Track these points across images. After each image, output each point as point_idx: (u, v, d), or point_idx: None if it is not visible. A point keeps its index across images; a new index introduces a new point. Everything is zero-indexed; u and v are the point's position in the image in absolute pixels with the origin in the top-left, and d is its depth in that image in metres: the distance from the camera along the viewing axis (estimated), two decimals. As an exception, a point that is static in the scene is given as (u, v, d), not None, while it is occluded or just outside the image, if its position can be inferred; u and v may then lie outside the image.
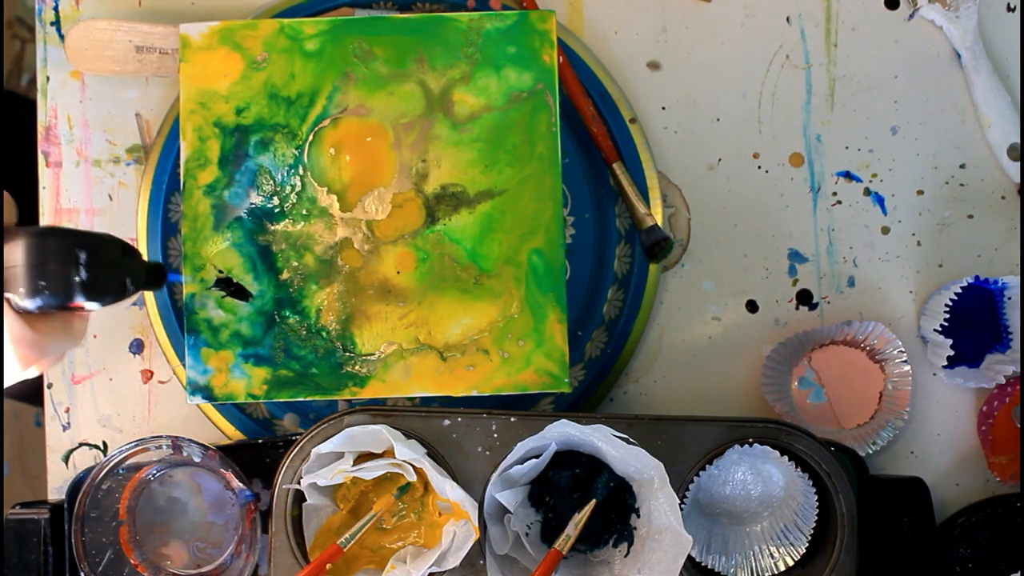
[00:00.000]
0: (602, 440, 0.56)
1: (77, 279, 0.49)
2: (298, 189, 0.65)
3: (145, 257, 0.69)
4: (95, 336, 0.70)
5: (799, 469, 0.58)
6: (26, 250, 0.49)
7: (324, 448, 0.57)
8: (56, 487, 0.70)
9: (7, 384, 0.51)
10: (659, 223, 0.68)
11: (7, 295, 0.48)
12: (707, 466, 0.58)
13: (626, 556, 0.58)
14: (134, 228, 0.70)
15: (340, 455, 0.59)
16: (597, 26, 0.71)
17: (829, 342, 0.69)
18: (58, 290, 0.49)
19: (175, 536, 0.66)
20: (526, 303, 0.64)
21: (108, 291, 0.52)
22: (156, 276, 0.56)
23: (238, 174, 0.65)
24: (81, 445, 0.70)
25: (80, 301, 0.51)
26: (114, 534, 0.64)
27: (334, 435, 0.57)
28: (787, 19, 0.71)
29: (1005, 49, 0.71)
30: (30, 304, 0.49)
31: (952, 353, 0.66)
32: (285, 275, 0.65)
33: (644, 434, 0.58)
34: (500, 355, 0.64)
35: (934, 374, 0.70)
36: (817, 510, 0.59)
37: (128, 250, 0.54)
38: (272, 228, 0.65)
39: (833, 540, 0.59)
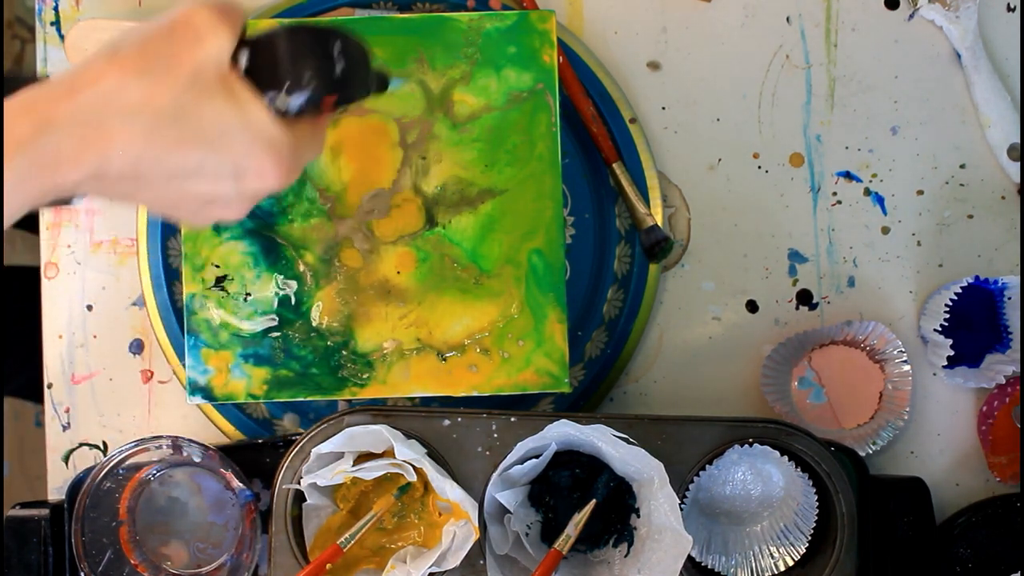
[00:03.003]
0: (602, 440, 0.56)
1: (336, 71, 0.47)
2: (297, 189, 0.65)
3: (145, 258, 0.69)
4: (95, 336, 0.70)
5: (799, 469, 0.58)
6: (284, 45, 0.47)
7: (324, 448, 0.57)
8: (56, 487, 0.70)
9: (270, 185, 0.48)
10: (659, 223, 0.68)
11: (266, 95, 0.46)
12: (707, 466, 0.58)
13: (626, 556, 0.58)
14: (134, 228, 0.70)
15: (340, 455, 0.59)
16: (597, 26, 0.71)
17: (829, 342, 0.69)
18: (321, 82, 0.47)
19: (175, 536, 0.67)
20: (526, 303, 0.64)
21: (359, 85, 0.50)
22: (383, 79, 0.53)
23: (238, 174, 0.64)
24: (81, 445, 0.70)
25: (336, 95, 0.48)
26: (114, 534, 0.64)
27: (334, 435, 0.57)
28: (787, 19, 0.71)
29: (1005, 49, 0.71)
30: (294, 101, 0.47)
31: (952, 353, 0.66)
32: (285, 275, 0.64)
33: (644, 434, 0.58)
34: (500, 355, 0.64)
35: (934, 374, 0.70)
36: (817, 510, 0.59)
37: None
38: (272, 228, 0.65)
39: (833, 540, 0.59)
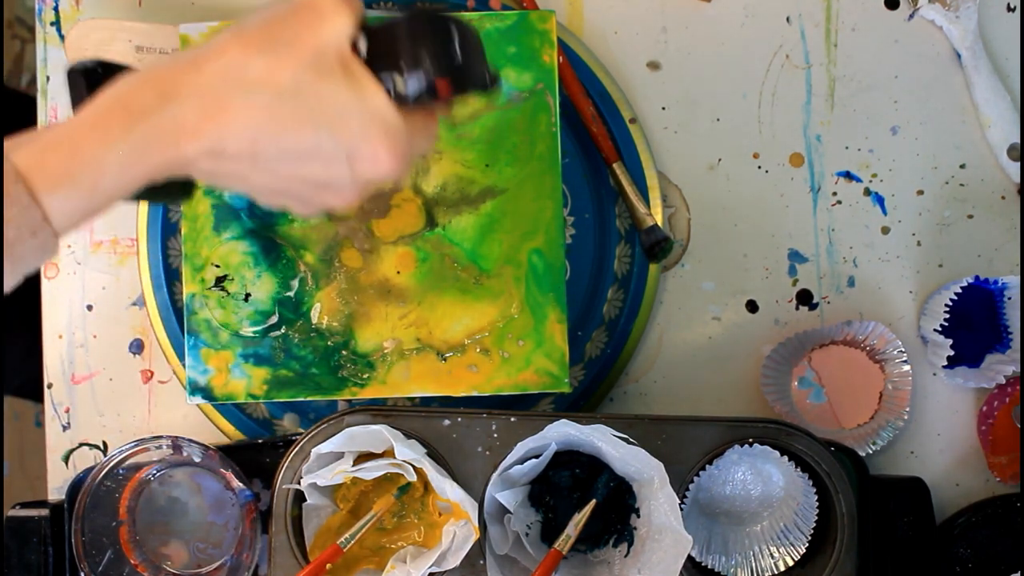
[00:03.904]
0: (602, 440, 0.56)
1: (453, 55, 0.47)
2: (298, 189, 0.65)
3: (145, 258, 0.69)
4: (95, 336, 0.70)
5: (799, 469, 0.58)
6: (403, 29, 0.47)
7: (324, 448, 0.57)
8: (56, 487, 0.70)
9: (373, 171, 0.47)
10: (659, 223, 0.68)
11: (384, 79, 0.46)
12: (707, 466, 0.58)
13: (626, 556, 0.58)
14: (134, 228, 0.70)
15: (340, 455, 0.59)
16: (597, 26, 0.71)
17: (829, 342, 0.69)
18: (438, 64, 0.46)
19: (175, 536, 0.67)
20: (526, 303, 0.64)
21: (474, 74, 0.49)
22: (495, 76, 0.51)
23: (238, 174, 0.64)
24: (81, 445, 0.70)
25: (451, 80, 0.48)
26: (114, 534, 0.64)
27: (334, 435, 0.57)
28: (787, 19, 0.71)
29: (1005, 49, 0.71)
30: (411, 84, 0.46)
31: (952, 353, 0.66)
32: (285, 275, 0.64)
33: (644, 434, 0.58)
34: (500, 355, 0.64)
35: (934, 374, 0.70)
36: (817, 510, 0.59)
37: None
38: (272, 228, 0.65)
39: (833, 540, 0.59)
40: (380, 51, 0.47)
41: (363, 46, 0.47)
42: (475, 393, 0.64)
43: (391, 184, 0.50)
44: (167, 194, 0.49)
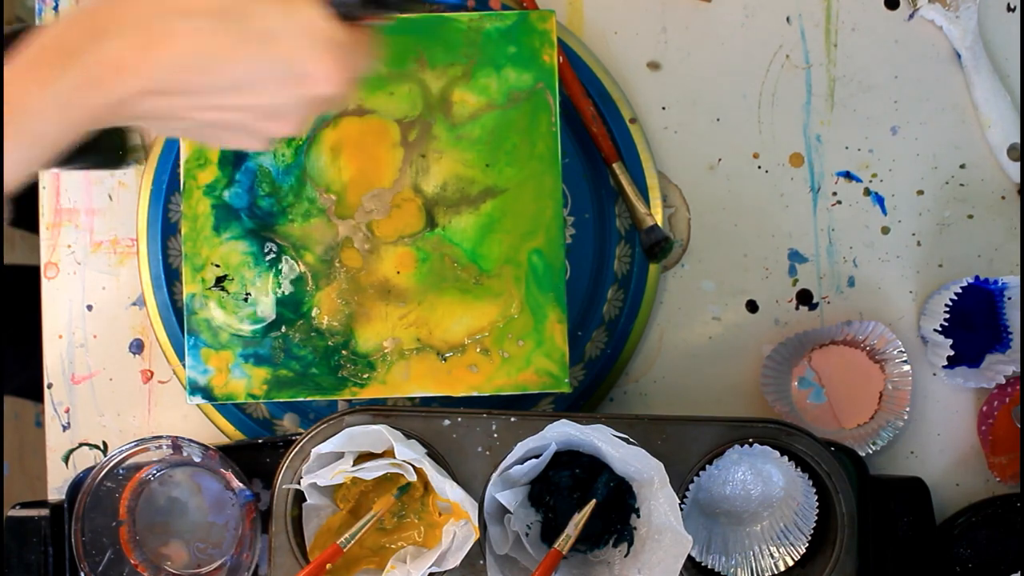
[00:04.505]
0: (602, 440, 0.56)
1: None
2: (297, 189, 0.65)
3: (145, 258, 0.69)
4: (95, 336, 0.70)
5: (799, 469, 0.58)
6: None
7: (324, 448, 0.57)
8: (56, 487, 0.70)
9: (331, 87, 0.46)
10: (659, 223, 0.68)
11: None
12: (707, 466, 0.58)
13: (626, 556, 0.58)
14: (134, 228, 0.70)
15: (340, 455, 0.59)
16: (597, 26, 0.71)
17: (829, 342, 0.69)
18: None
19: (175, 536, 0.67)
20: (526, 303, 0.64)
21: None
22: None
23: (238, 174, 0.65)
24: (81, 445, 0.70)
25: None
26: (114, 534, 0.64)
27: (334, 435, 0.57)
28: (787, 19, 0.71)
29: (1005, 49, 0.71)
30: None
31: (952, 353, 0.66)
32: (285, 275, 0.64)
33: (644, 434, 0.58)
34: (500, 355, 0.64)
35: (934, 374, 0.70)
36: (817, 510, 0.59)
37: None
38: (272, 228, 0.65)
39: (833, 540, 0.59)
40: None
41: None
42: (475, 393, 0.64)
43: (337, 105, 0.48)
44: (102, 154, 0.48)
